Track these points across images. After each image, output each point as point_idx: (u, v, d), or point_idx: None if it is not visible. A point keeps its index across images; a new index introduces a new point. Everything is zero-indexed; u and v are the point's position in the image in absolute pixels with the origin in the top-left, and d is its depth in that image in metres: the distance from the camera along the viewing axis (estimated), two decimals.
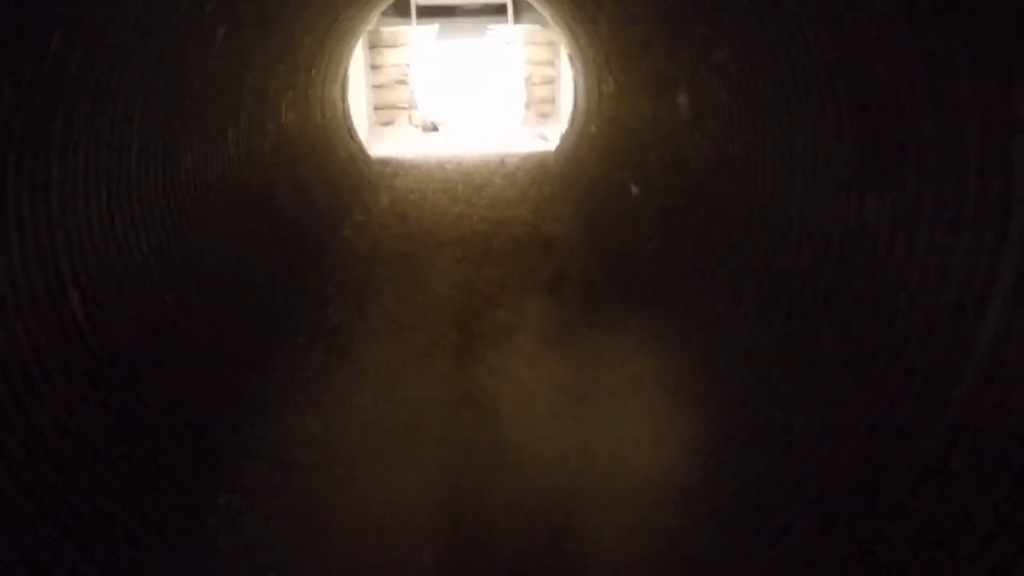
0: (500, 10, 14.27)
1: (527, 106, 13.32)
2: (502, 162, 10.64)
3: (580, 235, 7.13)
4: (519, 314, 5.43)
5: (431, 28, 13.40)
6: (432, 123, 13.00)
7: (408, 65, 13.17)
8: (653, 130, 5.91)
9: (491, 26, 13.49)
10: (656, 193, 5.76)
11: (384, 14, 14.98)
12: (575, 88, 10.44)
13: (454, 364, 4.68)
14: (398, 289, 6.06)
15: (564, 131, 10.90)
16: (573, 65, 10.34)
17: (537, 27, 13.66)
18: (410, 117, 13.32)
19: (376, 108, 13.66)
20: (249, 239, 5.35)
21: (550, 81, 13.70)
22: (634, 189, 6.20)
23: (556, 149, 10.78)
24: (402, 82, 13.39)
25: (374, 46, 13.50)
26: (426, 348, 4.93)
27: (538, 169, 10.20)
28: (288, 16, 6.08)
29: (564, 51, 11.59)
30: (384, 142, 12.45)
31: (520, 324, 5.21)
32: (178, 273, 4.18)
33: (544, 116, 13.53)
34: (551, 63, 13.64)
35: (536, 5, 11.09)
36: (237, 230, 5.21)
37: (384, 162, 10.81)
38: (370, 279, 6.25)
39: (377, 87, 13.61)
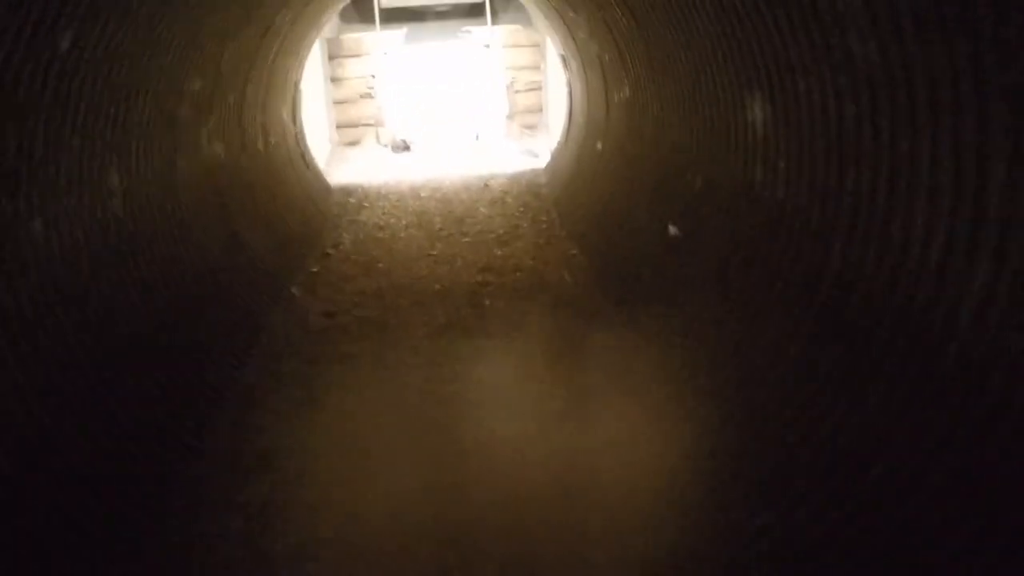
0: (476, 10, 12.68)
1: (510, 117, 11.73)
2: (486, 185, 9.03)
3: (599, 290, 5.51)
4: (532, 424, 3.79)
5: (398, 33, 11.79)
6: (403, 141, 11.38)
7: (373, 76, 11.54)
8: (702, 150, 4.32)
9: (466, 28, 11.89)
10: (706, 236, 4.17)
11: (344, 19, 13.37)
12: (570, 95, 8.85)
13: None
14: (357, 382, 4.43)
15: (557, 146, 9.31)
16: (567, 68, 8.74)
17: (519, 27, 12.08)
18: (377, 135, 11.69)
19: (339, 127, 12.02)
20: (132, 344, 3.69)
21: (536, 88, 12.11)
22: (672, 230, 4.60)
23: (548, 168, 9.19)
24: (367, 96, 11.76)
25: (334, 56, 11.86)
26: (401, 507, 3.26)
27: (529, 194, 8.59)
28: (194, 18, 4.44)
29: (553, 52, 10.01)
30: (348, 166, 10.82)
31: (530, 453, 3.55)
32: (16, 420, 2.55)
33: (530, 128, 11.94)
34: (536, 67, 12.05)
35: None
36: (116, 331, 3.55)
37: (348, 191, 9.17)
38: (319, 370, 4.59)
39: (339, 103, 11.98)
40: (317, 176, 8.98)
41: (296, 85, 8.55)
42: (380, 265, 6.71)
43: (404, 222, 7.92)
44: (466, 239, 7.19)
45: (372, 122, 11.74)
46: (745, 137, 3.69)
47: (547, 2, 7.83)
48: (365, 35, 11.66)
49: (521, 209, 8.03)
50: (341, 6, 9.35)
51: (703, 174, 4.30)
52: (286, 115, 8.14)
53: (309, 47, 8.67)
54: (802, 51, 2.93)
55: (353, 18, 12.71)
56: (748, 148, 3.67)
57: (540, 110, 12.13)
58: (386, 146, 11.41)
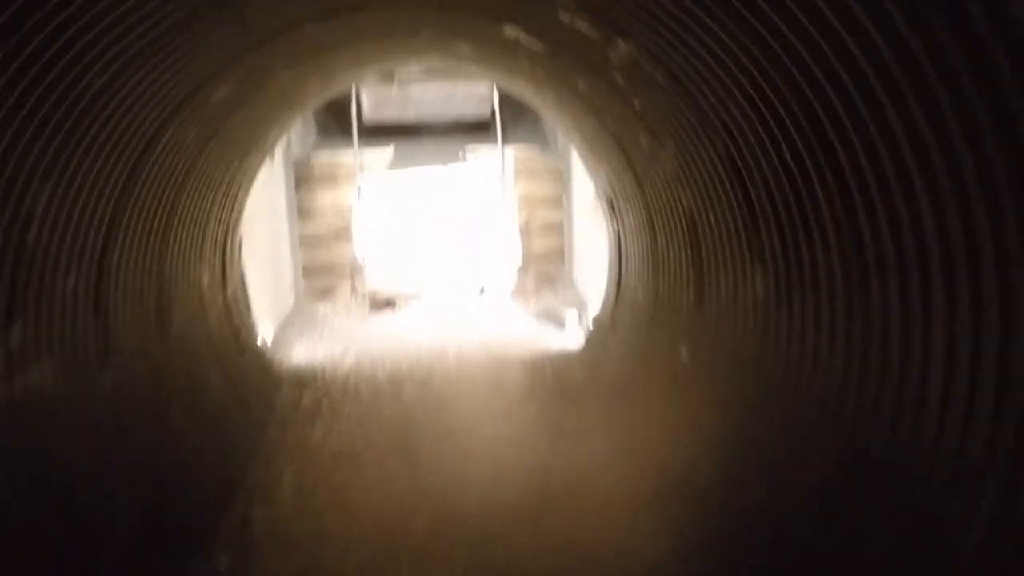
0: (481, 126, 10.25)
1: (523, 267, 9.12)
2: (497, 382, 6.35)
3: None
4: None
5: (383, 153, 9.30)
6: (385, 298, 8.74)
7: (350, 209, 8.96)
8: None
9: (469, 148, 9.40)
10: None
11: (323, 132, 10.94)
12: (621, 260, 6.26)
13: None
14: None
15: (598, 327, 6.71)
16: (616, 216, 6.19)
17: (535, 149, 9.62)
18: (354, 285, 9.05)
19: (307, 273, 9.40)
20: None
21: (556, 228, 9.58)
22: None
23: (586, 357, 6.56)
24: (343, 234, 9.18)
25: (303, 181, 9.32)
26: None
27: (564, 398, 5.92)
28: None
29: (581, 182, 7.51)
30: (311, 333, 8.14)
31: None
32: None
33: (548, 281, 9.33)
34: (557, 201, 9.54)
35: (545, 113, 7.10)
36: None
37: (303, 380, 6.51)
38: None
39: (308, 241, 9.39)
40: (259, 362, 6.31)
41: (230, 232, 5.94)
42: (334, 543, 3.99)
43: (379, 446, 5.23)
44: (478, 488, 4.47)
45: (348, 268, 9.13)
46: None
47: (587, 117, 5.34)
48: (342, 155, 9.16)
49: (554, 428, 5.33)
50: (295, 118, 6.85)
51: None
52: (208, 280, 5.50)
53: (250, 175, 6.09)
54: None
55: (332, 130, 10.26)
56: None
57: (560, 257, 9.58)
58: (364, 300, 8.77)
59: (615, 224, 6.29)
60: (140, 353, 4.40)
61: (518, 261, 8.83)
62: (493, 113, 8.91)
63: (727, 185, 3.58)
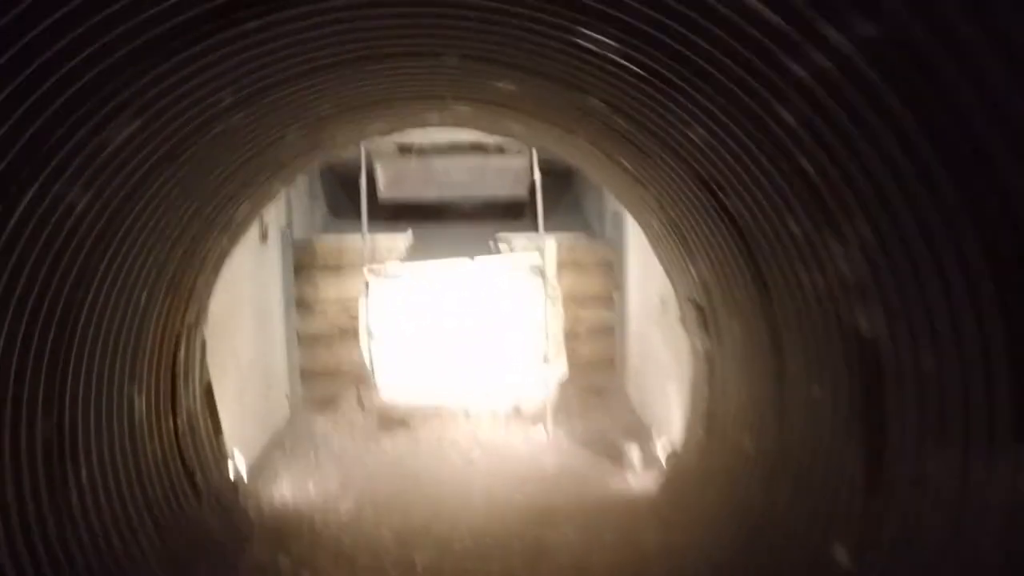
0: (515, 209, 8.77)
1: (565, 378, 7.45)
2: (541, 547, 4.68)
3: None
4: None
5: (399, 239, 7.80)
6: (399, 416, 7.09)
7: (360, 302, 7.35)
8: None
9: (501, 237, 7.89)
10: None
11: (333, 211, 9.50)
12: (709, 376, 4.65)
13: None
14: None
15: (675, 466, 5.07)
16: (707, 327, 4.59)
17: (581, 237, 8.14)
18: (360, 398, 7.41)
19: (305, 378, 7.80)
20: None
21: (606, 332, 7.98)
22: None
23: (665, 504, 4.91)
24: (350, 334, 7.60)
25: (304, 269, 7.80)
26: None
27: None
28: None
29: (638, 281, 5.96)
30: (303, 459, 6.47)
31: None
32: None
33: (598, 398, 7.69)
34: (607, 300, 7.96)
35: (616, 190, 5.67)
36: None
37: (282, 535, 4.90)
38: None
39: (307, 341, 7.82)
40: (222, 510, 4.65)
41: (187, 337, 4.37)
42: None
43: None
44: None
45: (354, 376, 7.52)
46: None
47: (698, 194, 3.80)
48: (350, 239, 7.65)
49: None
50: (274, 187, 5.34)
51: None
52: (145, 404, 3.90)
53: (213, 260, 4.55)
54: None
55: (345, 209, 8.83)
56: None
57: (612, 367, 7.95)
58: (371, 416, 7.11)
59: (706, 338, 4.68)
60: (22, 524, 2.81)
61: (562, 373, 7.18)
62: (532, 191, 7.40)
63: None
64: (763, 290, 3.53)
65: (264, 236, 6.90)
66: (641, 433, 6.57)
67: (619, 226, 7.79)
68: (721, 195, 3.46)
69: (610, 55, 2.95)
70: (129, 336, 3.50)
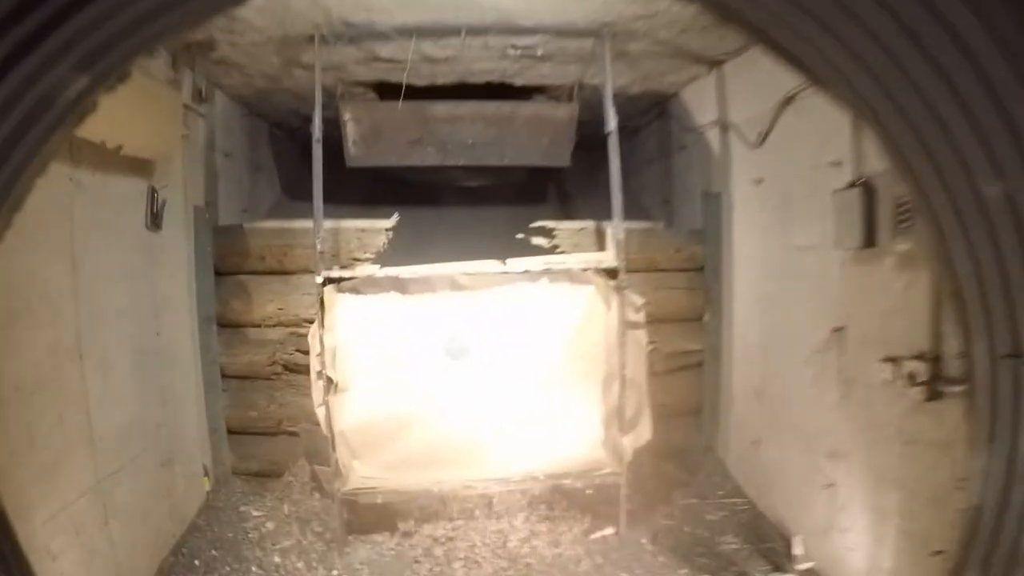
0: (535, 188, 6.07)
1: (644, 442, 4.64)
2: None
3: None
4: None
5: (379, 227, 4.98)
6: (376, 507, 4.33)
7: (313, 331, 4.42)
8: None
9: (537, 226, 5.11)
10: None
11: (289, 191, 6.79)
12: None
13: None
14: None
15: None
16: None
17: (654, 228, 5.46)
18: (315, 478, 4.66)
19: (235, 436, 5.05)
20: None
21: (690, 370, 5.29)
22: None
23: None
24: (303, 368, 4.85)
25: (231, 270, 5.04)
26: None
27: None
28: None
29: (747, 287, 3.30)
30: None
31: None
32: None
33: (677, 462, 4.98)
34: (691, 324, 5.28)
35: None
36: None
37: None
38: None
39: (237, 384, 5.07)
40: None
41: None
42: None
43: None
44: None
45: (306, 441, 4.76)
46: None
47: None
48: (304, 227, 4.78)
49: None
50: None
51: None
52: None
53: None
54: None
55: (309, 189, 5.90)
56: None
57: (697, 417, 5.29)
58: (339, 511, 4.33)
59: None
60: None
61: (645, 439, 4.41)
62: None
63: None
64: None
65: (155, 219, 4.17)
66: (764, 535, 3.97)
67: (716, 213, 5.13)
68: None
69: None
70: None
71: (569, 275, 4.22)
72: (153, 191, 4.16)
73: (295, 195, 6.60)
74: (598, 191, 7.10)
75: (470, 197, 6.73)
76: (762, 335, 4.59)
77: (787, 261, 4.19)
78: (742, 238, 4.87)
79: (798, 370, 4.07)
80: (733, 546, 4.35)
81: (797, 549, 3.91)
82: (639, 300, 4.20)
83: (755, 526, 4.51)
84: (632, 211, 6.16)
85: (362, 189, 5.97)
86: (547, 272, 4.17)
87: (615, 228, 4.16)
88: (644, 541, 4.46)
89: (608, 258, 4.23)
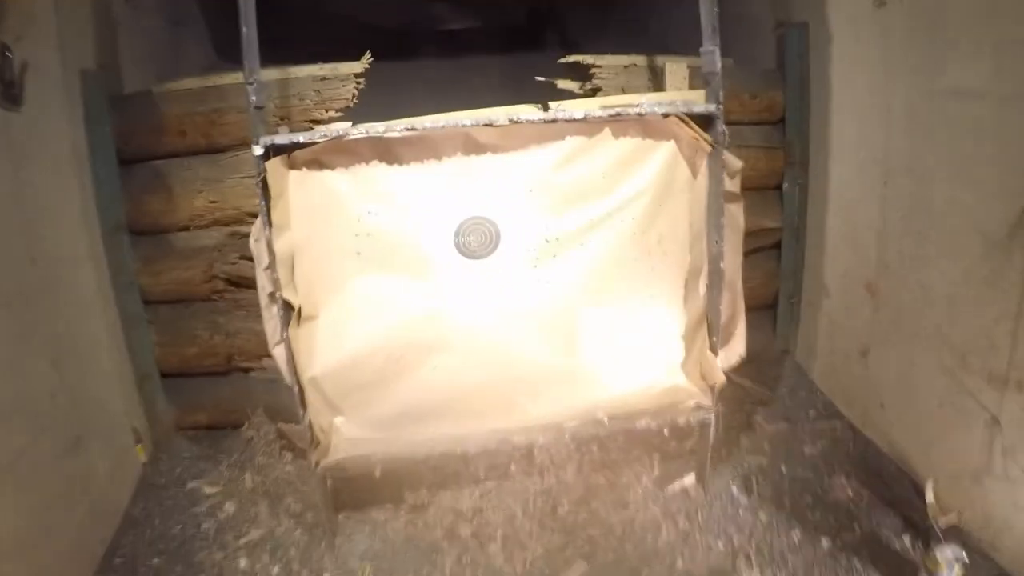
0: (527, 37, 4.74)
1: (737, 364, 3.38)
2: None
3: None
4: None
5: (345, 75, 3.55)
6: (379, 478, 3.11)
7: (255, 227, 3.07)
8: None
9: (561, 72, 3.66)
10: None
11: (224, 53, 5.26)
12: None
13: None
14: None
15: None
16: None
17: (728, 63, 4.01)
18: (283, 435, 3.41)
19: (170, 380, 3.77)
20: None
21: (763, 255, 4.03)
22: None
23: None
24: (241, 279, 3.54)
25: (140, 156, 3.62)
26: None
27: None
28: None
29: (854, 147, 2.05)
30: None
31: None
32: None
33: (755, 382, 3.80)
34: (767, 193, 3.99)
35: None
36: None
37: None
38: None
39: (167, 310, 3.73)
40: None
41: None
42: None
43: None
44: None
45: (267, 386, 3.51)
46: None
47: None
48: (230, 80, 3.32)
49: None
50: None
51: None
52: None
53: None
54: None
55: (238, 52, 4.31)
56: None
57: (773, 306, 4.11)
58: (321, 484, 3.07)
59: None
60: None
61: (735, 352, 3.12)
62: None
63: None
64: None
65: (8, 90, 2.75)
66: (881, 474, 2.90)
67: (800, 49, 3.81)
68: None
69: None
70: None
71: (643, 124, 2.85)
72: (2, 49, 2.74)
73: (234, 58, 5.07)
74: (608, 37, 5.73)
75: (453, 45, 5.31)
76: (884, 211, 3.32)
77: (933, 112, 2.90)
78: (845, 80, 3.57)
79: (949, 262, 2.85)
80: (847, 492, 3.22)
81: (929, 496, 2.82)
82: (737, 163, 2.87)
83: (867, 462, 3.39)
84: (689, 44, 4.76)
85: (318, 40, 4.53)
86: (614, 118, 2.78)
87: (706, 58, 2.78)
88: (735, 490, 3.31)
89: (699, 99, 2.87)
